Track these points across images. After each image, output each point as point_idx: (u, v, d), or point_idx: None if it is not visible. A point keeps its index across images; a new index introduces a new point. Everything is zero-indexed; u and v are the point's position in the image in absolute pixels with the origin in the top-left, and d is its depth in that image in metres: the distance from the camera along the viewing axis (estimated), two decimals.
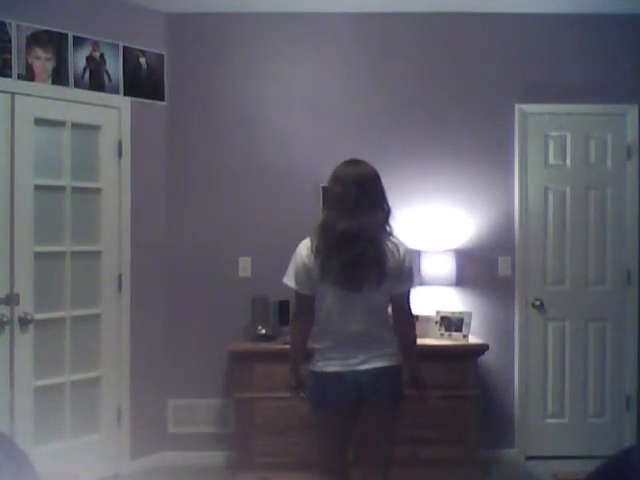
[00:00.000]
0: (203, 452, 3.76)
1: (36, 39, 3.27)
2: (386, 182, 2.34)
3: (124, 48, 3.61)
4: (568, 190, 3.86)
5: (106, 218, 3.54)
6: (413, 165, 3.80)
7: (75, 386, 3.40)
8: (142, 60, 3.69)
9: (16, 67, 3.20)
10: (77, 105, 3.42)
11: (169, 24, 3.79)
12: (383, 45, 3.83)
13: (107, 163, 3.55)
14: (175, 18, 3.79)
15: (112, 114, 3.56)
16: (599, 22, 3.83)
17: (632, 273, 3.84)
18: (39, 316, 3.25)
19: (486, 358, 3.60)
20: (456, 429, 3.39)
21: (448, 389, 3.35)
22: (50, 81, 3.33)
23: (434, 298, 3.73)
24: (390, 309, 2.35)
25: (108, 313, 3.54)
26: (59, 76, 3.36)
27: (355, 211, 2.21)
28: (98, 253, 3.51)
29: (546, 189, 3.86)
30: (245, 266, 3.81)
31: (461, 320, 3.49)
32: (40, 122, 3.27)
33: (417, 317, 3.31)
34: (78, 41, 3.43)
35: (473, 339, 3.54)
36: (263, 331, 3.52)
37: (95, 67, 3.50)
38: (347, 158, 2.39)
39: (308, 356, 2.39)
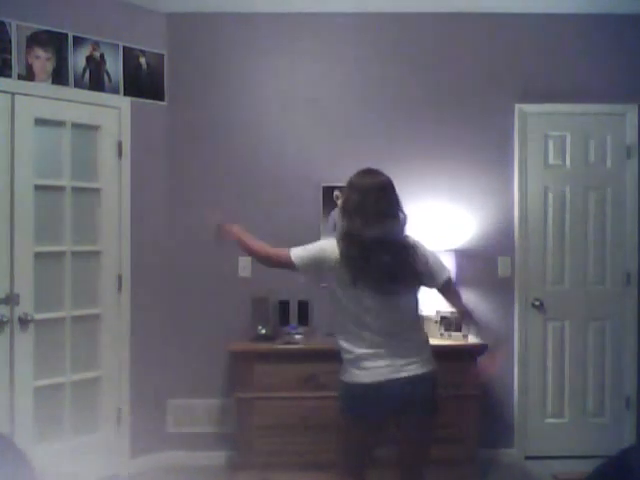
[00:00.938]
0: (203, 452, 3.76)
1: (36, 39, 3.27)
2: None
3: (124, 48, 3.61)
4: (568, 190, 3.86)
5: (106, 218, 3.54)
6: (413, 165, 3.80)
7: (75, 386, 3.40)
8: (142, 60, 3.69)
9: (16, 67, 3.20)
10: (77, 105, 3.42)
11: (169, 24, 3.79)
12: (383, 45, 3.84)
13: (107, 163, 3.55)
14: (175, 18, 3.79)
15: (112, 114, 3.56)
16: (599, 22, 3.83)
17: (632, 273, 3.84)
18: (39, 316, 3.25)
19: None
20: (456, 429, 3.38)
21: (448, 389, 3.34)
22: (50, 81, 3.33)
23: (434, 298, 3.72)
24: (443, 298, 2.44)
25: (108, 313, 3.54)
26: (59, 76, 3.36)
27: (380, 218, 2.23)
28: (98, 253, 3.51)
29: (546, 189, 3.86)
30: (245, 266, 3.80)
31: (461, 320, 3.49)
32: (40, 122, 3.27)
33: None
34: (78, 41, 3.43)
35: (473, 339, 3.54)
36: (263, 331, 3.52)
37: (95, 67, 3.50)
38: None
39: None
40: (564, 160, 3.87)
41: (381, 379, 2.22)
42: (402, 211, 2.33)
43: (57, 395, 3.34)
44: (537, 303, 3.82)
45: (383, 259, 2.20)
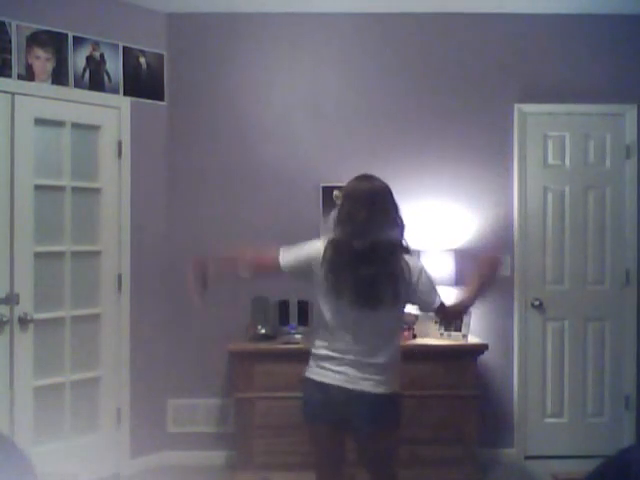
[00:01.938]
0: (203, 452, 3.77)
1: (36, 39, 3.27)
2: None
3: (124, 48, 3.61)
4: (567, 190, 3.87)
5: (106, 218, 3.54)
6: (412, 165, 3.80)
7: (75, 386, 3.40)
8: (142, 60, 3.69)
9: (16, 67, 3.20)
10: (77, 105, 3.42)
11: (169, 24, 3.79)
12: (383, 45, 3.84)
13: (107, 163, 3.55)
14: (175, 18, 3.79)
15: (112, 114, 3.56)
16: (599, 22, 3.83)
17: (631, 273, 3.84)
18: (39, 316, 3.25)
19: (485, 358, 3.60)
20: (455, 429, 3.39)
21: (447, 389, 3.36)
22: (50, 81, 3.33)
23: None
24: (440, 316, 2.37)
25: (108, 313, 3.55)
26: (59, 76, 3.36)
27: (367, 229, 2.14)
28: (98, 253, 3.51)
29: (545, 189, 3.86)
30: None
31: (460, 320, 3.49)
32: (40, 122, 3.28)
33: (417, 316, 3.35)
34: (78, 41, 3.43)
35: (472, 339, 3.55)
36: (263, 331, 3.52)
37: (95, 67, 3.50)
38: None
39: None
40: (563, 160, 3.87)
41: (332, 382, 2.18)
42: (399, 219, 2.23)
43: (57, 395, 3.34)
44: (536, 303, 3.82)
45: (364, 272, 2.11)
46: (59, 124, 3.36)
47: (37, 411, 3.24)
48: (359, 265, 2.13)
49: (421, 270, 2.22)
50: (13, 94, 3.18)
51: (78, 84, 3.43)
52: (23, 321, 3.18)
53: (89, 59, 3.47)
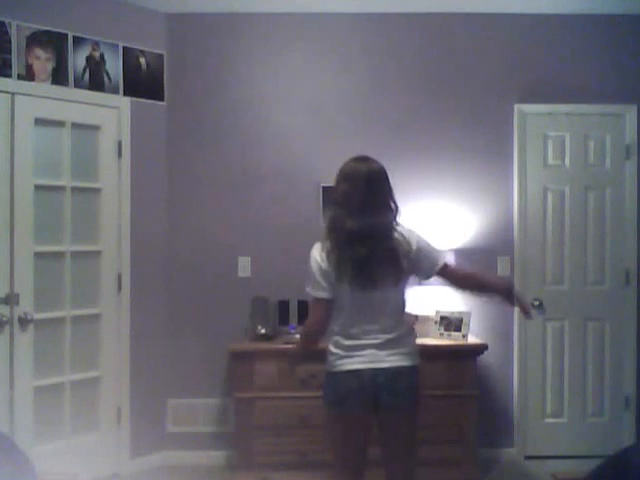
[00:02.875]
0: (203, 452, 3.77)
1: (36, 39, 3.27)
2: None
3: (124, 48, 3.61)
4: (567, 190, 3.87)
5: (106, 218, 3.54)
6: (412, 165, 3.81)
7: (75, 386, 3.40)
8: (142, 60, 3.69)
9: (16, 67, 3.20)
10: (77, 105, 3.42)
11: (169, 24, 3.79)
12: (383, 45, 3.84)
13: (107, 163, 3.55)
14: (175, 18, 3.79)
15: (112, 114, 3.56)
16: (599, 22, 3.83)
17: (631, 273, 3.85)
18: (39, 316, 3.25)
19: (485, 358, 3.61)
20: (455, 429, 3.39)
21: (447, 389, 3.36)
22: (50, 81, 3.33)
23: (433, 298, 3.73)
24: (452, 282, 2.36)
25: (108, 313, 3.55)
26: (59, 76, 3.37)
27: (364, 209, 2.20)
28: (98, 253, 3.52)
29: (545, 189, 3.87)
30: (245, 266, 3.81)
31: (460, 320, 3.50)
32: (40, 122, 3.28)
33: (417, 317, 3.35)
34: (78, 41, 3.43)
35: (472, 339, 3.55)
36: (263, 331, 3.52)
37: (95, 67, 3.50)
38: (349, 156, 2.38)
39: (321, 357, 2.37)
40: (563, 160, 3.87)
41: (362, 367, 2.23)
42: (394, 201, 2.28)
43: (57, 395, 3.34)
44: (536, 303, 3.82)
45: (363, 253, 2.17)
46: (59, 124, 3.36)
47: (37, 411, 3.24)
48: (357, 247, 2.17)
49: (417, 237, 2.29)
50: (13, 94, 3.18)
51: (78, 84, 3.44)
52: (23, 321, 3.18)
53: (89, 59, 3.48)
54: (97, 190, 3.52)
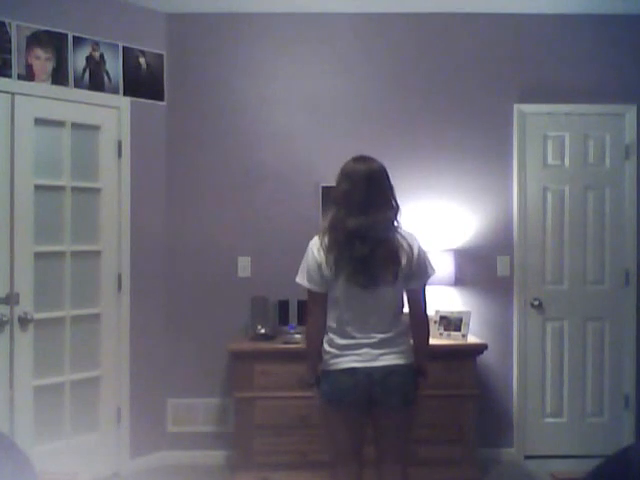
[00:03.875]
0: (203, 451, 3.77)
1: (36, 39, 3.27)
2: None
3: (124, 48, 3.61)
4: (567, 190, 3.87)
5: (106, 218, 3.54)
6: (412, 165, 3.81)
7: (75, 386, 3.40)
8: (142, 60, 3.70)
9: (16, 67, 3.21)
10: (77, 105, 3.42)
11: (169, 24, 3.80)
12: (383, 45, 3.84)
13: (107, 163, 3.55)
14: (175, 18, 3.80)
15: (112, 114, 3.56)
16: (598, 22, 3.84)
17: (630, 273, 3.85)
18: (39, 316, 3.25)
19: (485, 358, 3.61)
20: (455, 428, 3.39)
21: (447, 388, 3.36)
22: (50, 81, 3.33)
23: (433, 298, 3.73)
24: (407, 305, 2.36)
25: (108, 313, 3.55)
26: (59, 76, 3.37)
27: (364, 208, 2.21)
28: (98, 253, 3.52)
29: (545, 189, 3.87)
30: (245, 266, 3.81)
31: (460, 320, 3.50)
32: (40, 122, 3.27)
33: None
34: (78, 41, 3.43)
35: (472, 339, 3.55)
36: (262, 331, 3.52)
37: (95, 67, 3.50)
38: (348, 157, 2.39)
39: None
40: (563, 160, 3.87)
41: (356, 365, 2.25)
42: (394, 200, 2.30)
43: (57, 395, 3.34)
44: (536, 303, 3.83)
45: (363, 251, 2.18)
46: (59, 124, 3.36)
47: (37, 411, 3.24)
48: (355, 246, 2.19)
49: (418, 244, 2.32)
50: (13, 94, 3.18)
51: (78, 84, 3.44)
52: (23, 321, 3.18)
53: (89, 59, 3.48)
54: (97, 190, 3.52)
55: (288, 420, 3.35)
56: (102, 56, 3.53)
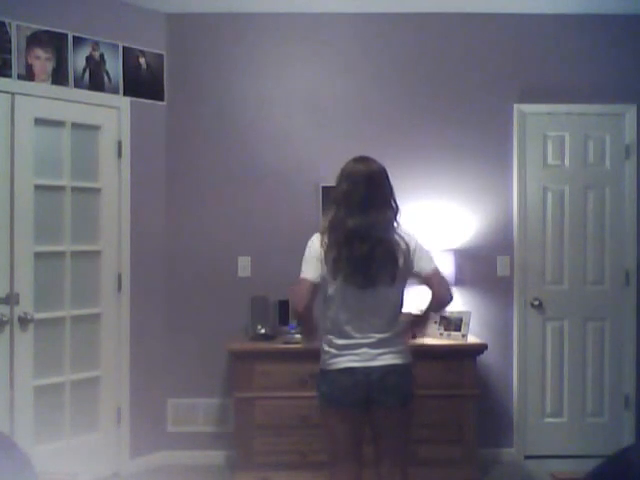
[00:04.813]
0: (203, 451, 3.77)
1: (36, 39, 3.27)
2: None
3: (124, 48, 3.61)
4: (567, 190, 3.87)
5: (106, 218, 3.54)
6: (412, 165, 3.81)
7: (75, 386, 3.40)
8: (142, 60, 3.69)
9: (16, 67, 3.20)
10: (77, 105, 3.42)
11: (169, 24, 3.80)
12: (383, 45, 3.84)
13: (107, 163, 3.55)
14: (175, 18, 3.80)
15: (112, 114, 3.56)
16: (598, 22, 3.84)
17: (630, 273, 3.85)
18: (39, 316, 3.25)
19: (485, 358, 3.61)
20: (455, 428, 3.39)
21: (447, 388, 3.36)
22: (50, 81, 3.33)
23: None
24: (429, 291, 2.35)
25: (108, 313, 3.55)
26: (59, 76, 3.37)
27: (364, 208, 2.23)
28: (98, 253, 3.52)
29: (545, 189, 3.87)
30: (245, 266, 3.81)
31: (460, 320, 3.49)
32: (40, 122, 3.28)
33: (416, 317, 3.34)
34: (78, 41, 3.43)
35: (472, 339, 3.55)
36: (262, 330, 3.52)
37: (95, 67, 3.50)
38: (348, 157, 2.40)
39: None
40: (563, 160, 3.88)
41: (355, 365, 2.26)
42: (394, 201, 2.32)
43: (57, 395, 3.34)
44: (536, 303, 3.83)
45: (362, 251, 2.20)
46: (59, 124, 3.36)
47: (37, 411, 3.24)
48: (354, 246, 2.20)
49: (416, 240, 2.33)
50: (13, 94, 3.18)
51: (78, 84, 3.44)
52: (23, 321, 3.18)
53: (89, 59, 3.48)
54: (97, 190, 3.52)
55: (288, 420, 3.35)
56: (102, 56, 3.53)
